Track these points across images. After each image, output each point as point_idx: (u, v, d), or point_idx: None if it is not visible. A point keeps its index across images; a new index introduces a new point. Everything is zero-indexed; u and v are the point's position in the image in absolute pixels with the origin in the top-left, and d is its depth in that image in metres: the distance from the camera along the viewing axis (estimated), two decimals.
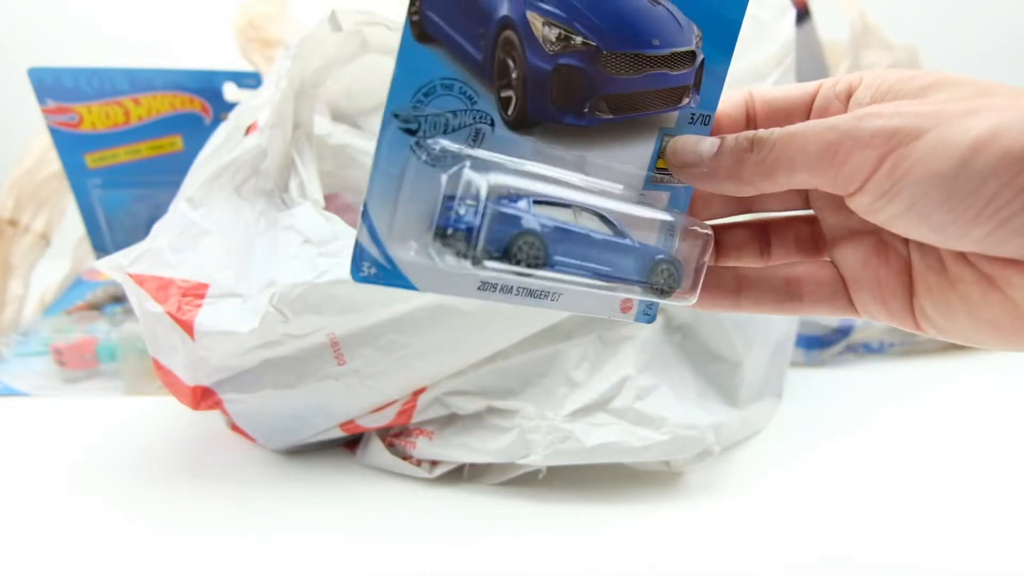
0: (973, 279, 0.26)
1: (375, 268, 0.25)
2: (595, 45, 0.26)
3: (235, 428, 0.47)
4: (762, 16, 0.52)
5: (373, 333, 0.41)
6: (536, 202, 0.25)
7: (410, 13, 0.24)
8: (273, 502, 0.43)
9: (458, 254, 0.24)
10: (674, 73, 0.28)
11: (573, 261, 0.26)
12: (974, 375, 0.58)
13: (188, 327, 0.40)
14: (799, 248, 0.31)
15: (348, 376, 0.42)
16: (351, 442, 0.48)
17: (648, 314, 0.31)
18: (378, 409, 0.44)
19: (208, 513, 0.42)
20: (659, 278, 0.28)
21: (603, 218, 0.27)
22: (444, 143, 0.25)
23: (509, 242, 0.25)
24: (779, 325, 0.52)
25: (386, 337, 0.41)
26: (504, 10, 0.25)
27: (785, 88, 0.29)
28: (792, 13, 0.52)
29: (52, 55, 0.69)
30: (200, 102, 0.68)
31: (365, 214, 0.25)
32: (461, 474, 0.44)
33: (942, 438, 0.49)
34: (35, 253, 0.68)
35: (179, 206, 0.46)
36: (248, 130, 0.48)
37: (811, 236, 0.30)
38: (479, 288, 0.27)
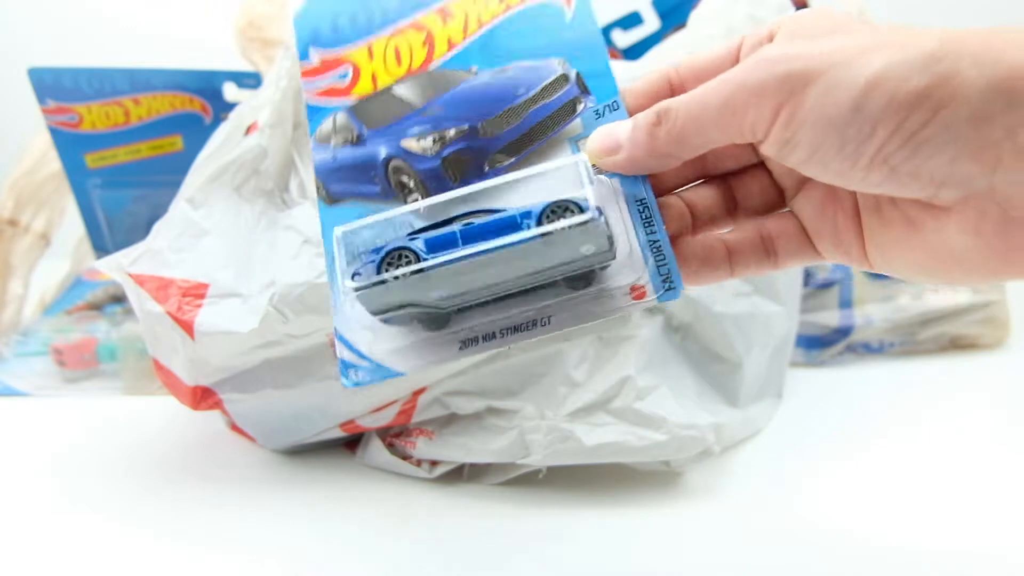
0: (899, 220, 0.26)
1: (361, 372, 0.29)
2: (467, 127, 0.31)
3: (235, 428, 0.47)
4: (762, 15, 0.52)
5: None
6: (415, 234, 0.28)
7: (319, 193, 0.31)
8: (273, 502, 0.43)
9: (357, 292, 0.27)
10: (552, 99, 0.31)
11: (450, 248, 0.27)
12: (974, 375, 0.58)
13: (188, 327, 0.40)
14: (764, 201, 0.30)
15: None
16: (351, 442, 0.48)
17: (669, 287, 0.28)
18: (378, 409, 0.44)
19: (208, 513, 0.42)
20: (551, 217, 0.27)
21: (485, 212, 0.29)
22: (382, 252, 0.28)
23: (381, 261, 0.27)
24: (779, 325, 0.52)
25: None
26: (383, 153, 0.31)
27: (710, 48, 0.30)
28: (792, 13, 0.52)
29: (52, 55, 0.69)
30: (200, 102, 0.68)
31: (338, 335, 0.29)
32: (461, 474, 0.44)
33: (942, 438, 0.48)
34: (35, 253, 0.68)
35: (179, 206, 0.46)
36: (248, 130, 0.48)
37: (772, 187, 0.30)
38: (461, 349, 0.28)
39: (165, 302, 0.41)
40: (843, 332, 0.62)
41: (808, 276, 0.62)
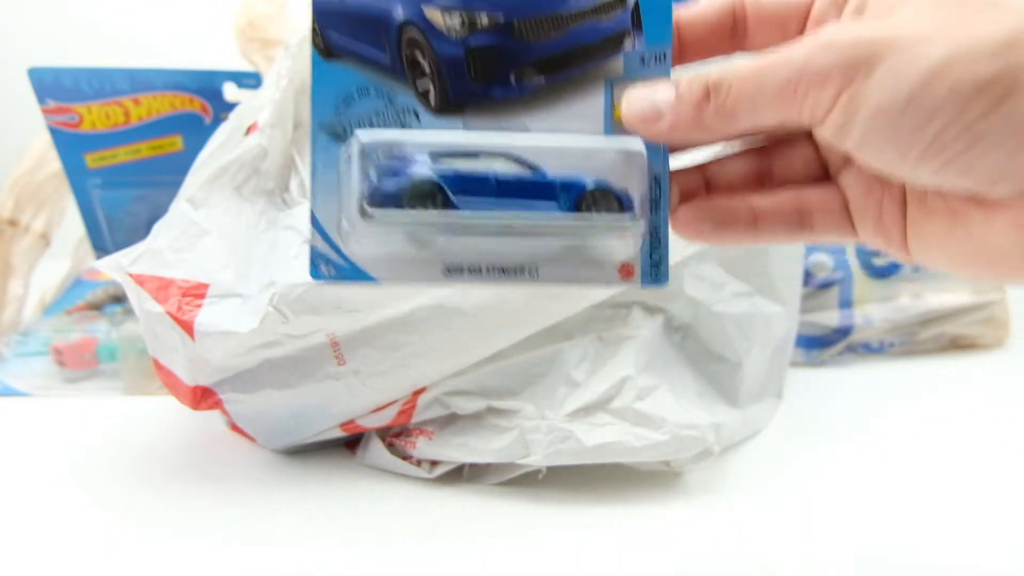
0: (944, 211, 0.25)
1: (332, 268, 0.26)
2: (503, 18, 0.26)
3: (235, 428, 0.47)
4: None
5: (373, 333, 0.41)
6: (441, 155, 0.25)
7: (313, 38, 0.26)
8: (273, 502, 0.43)
9: (362, 214, 0.25)
10: (603, 22, 0.27)
11: (481, 203, 0.26)
12: (974, 375, 0.58)
13: (188, 327, 0.40)
14: (806, 174, 0.29)
15: (348, 376, 0.42)
16: (351, 442, 0.48)
17: (656, 275, 0.28)
18: (378, 409, 0.44)
19: (208, 513, 0.42)
20: (589, 205, 0.26)
21: (519, 161, 0.26)
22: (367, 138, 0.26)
23: (403, 191, 0.25)
24: (779, 325, 0.52)
25: (386, 337, 0.41)
26: (400, 15, 0.26)
27: None
28: None
29: (52, 55, 0.69)
30: (200, 102, 0.68)
31: (314, 219, 0.26)
32: (461, 474, 0.44)
33: (942, 438, 0.48)
34: (35, 253, 0.68)
35: (179, 206, 0.46)
36: (248, 130, 0.48)
37: (816, 160, 0.29)
38: (445, 274, 0.26)
39: (165, 302, 0.41)
40: (843, 332, 0.62)
41: (808, 276, 0.62)
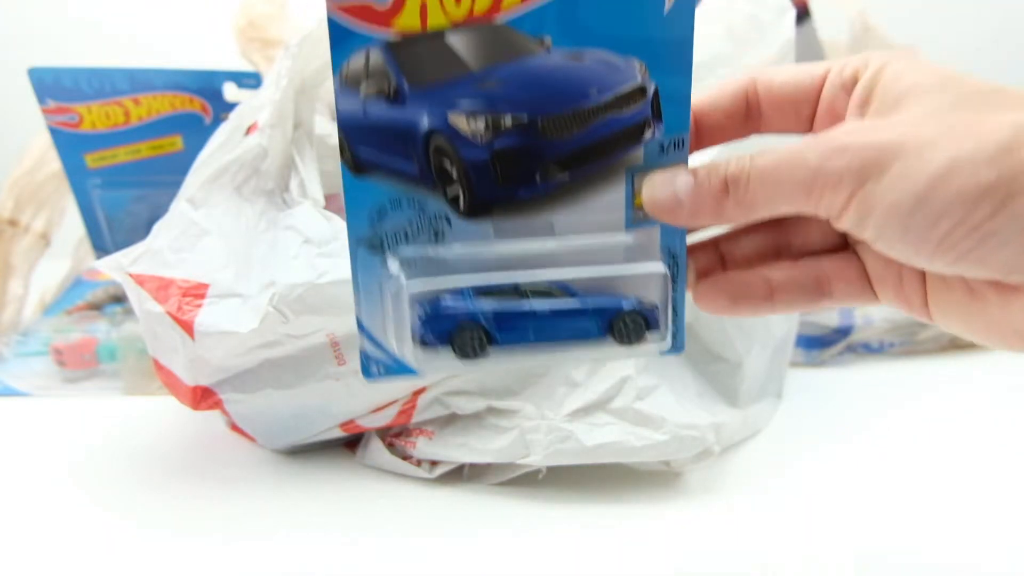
0: (963, 289, 0.26)
1: (382, 367, 0.29)
2: (527, 119, 0.27)
3: (235, 428, 0.47)
4: (762, 16, 0.52)
5: None
6: (480, 291, 0.27)
7: (343, 155, 0.26)
8: (273, 502, 0.43)
9: (414, 356, 0.27)
10: (625, 114, 0.27)
11: (522, 337, 0.27)
12: (974, 375, 0.58)
13: (188, 327, 0.40)
14: (823, 244, 0.30)
15: (348, 376, 0.42)
16: (351, 442, 0.48)
17: (673, 345, 0.30)
18: (378, 409, 0.44)
19: (208, 513, 0.42)
20: (621, 332, 0.28)
21: (556, 285, 0.28)
22: (406, 252, 0.27)
23: (451, 336, 0.27)
24: (779, 325, 0.52)
25: None
26: (426, 124, 0.27)
27: (791, 72, 0.29)
28: (792, 13, 0.52)
29: (52, 55, 0.69)
30: (200, 102, 0.68)
31: (361, 326, 0.28)
32: (461, 474, 0.44)
33: (942, 438, 0.49)
34: (35, 253, 0.68)
35: (179, 206, 0.46)
36: (248, 130, 0.47)
37: (835, 230, 0.30)
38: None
39: (165, 302, 0.41)
40: (843, 332, 0.62)
41: None
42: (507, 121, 0.26)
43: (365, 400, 0.43)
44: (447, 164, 0.27)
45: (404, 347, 0.27)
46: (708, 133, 0.30)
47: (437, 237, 0.27)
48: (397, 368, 0.28)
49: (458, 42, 0.26)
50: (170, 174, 0.55)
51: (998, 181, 0.22)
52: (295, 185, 0.46)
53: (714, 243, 0.31)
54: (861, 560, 0.37)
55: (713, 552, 0.38)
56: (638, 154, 0.28)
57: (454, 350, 0.27)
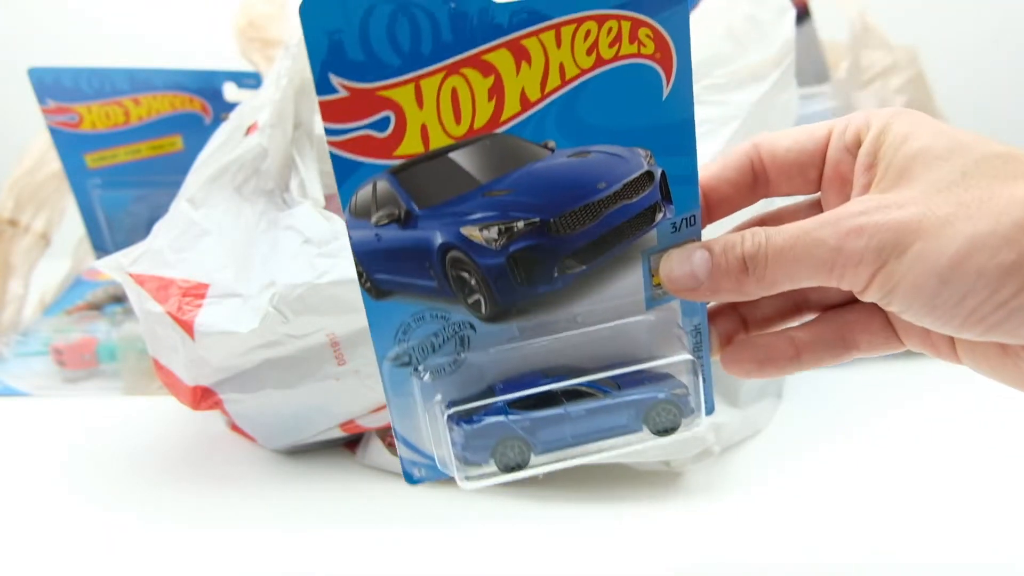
0: (995, 346, 0.26)
1: (423, 470, 0.29)
2: (539, 220, 0.27)
3: (235, 428, 0.47)
4: (762, 16, 0.52)
5: None
6: (512, 403, 0.28)
7: (362, 283, 0.27)
8: (273, 502, 0.43)
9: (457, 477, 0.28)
10: (635, 201, 0.28)
11: (560, 441, 0.28)
12: (974, 376, 0.58)
13: (188, 327, 0.40)
14: (844, 297, 0.30)
15: (348, 376, 0.42)
16: (351, 442, 0.48)
17: (707, 411, 0.30)
18: (378, 409, 0.44)
19: (208, 513, 0.42)
20: (655, 422, 0.29)
21: (588, 385, 0.28)
22: (435, 362, 0.28)
23: (492, 451, 0.27)
24: None
25: None
26: (439, 239, 0.27)
27: (794, 136, 0.29)
28: (792, 13, 0.52)
29: (52, 55, 0.69)
30: (200, 102, 0.68)
31: (397, 434, 0.29)
32: None
33: (942, 438, 0.48)
34: (35, 253, 0.68)
35: (179, 206, 0.46)
36: (249, 130, 0.48)
37: None
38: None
39: (165, 302, 0.41)
40: None
41: None
42: (519, 225, 0.27)
43: (365, 400, 0.43)
44: (465, 274, 0.27)
45: (443, 451, 0.28)
46: (718, 206, 0.30)
47: (464, 343, 0.28)
48: (436, 472, 0.29)
49: (463, 158, 0.26)
50: (170, 174, 0.55)
51: (1019, 259, 0.22)
52: (295, 185, 0.46)
53: (734, 306, 0.31)
54: (861, 560, 0.37)
55: (713, 552, 0.38)
56: (651, 235, 0.28)
57: (496, 464, 0.28)
